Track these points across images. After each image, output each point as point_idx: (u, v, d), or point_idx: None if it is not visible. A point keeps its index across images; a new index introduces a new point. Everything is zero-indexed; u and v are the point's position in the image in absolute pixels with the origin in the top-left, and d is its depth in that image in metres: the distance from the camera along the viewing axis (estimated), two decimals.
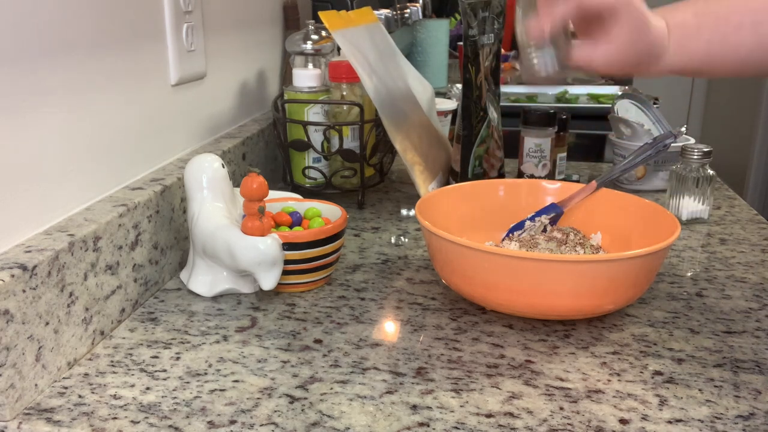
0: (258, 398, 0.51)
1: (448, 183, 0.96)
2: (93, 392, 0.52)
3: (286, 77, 1.13)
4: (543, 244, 0.68)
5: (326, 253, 0.67)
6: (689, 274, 0.74)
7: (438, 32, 1.80)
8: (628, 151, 0.98)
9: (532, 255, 0.57)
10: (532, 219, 0.75)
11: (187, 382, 0.53)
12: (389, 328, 0.62)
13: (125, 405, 0.50)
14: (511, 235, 0.75)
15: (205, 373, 0.54)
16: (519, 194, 0.78)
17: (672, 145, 0.88)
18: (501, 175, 0.96)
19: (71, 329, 0.55)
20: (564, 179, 1.04)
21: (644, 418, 0.49)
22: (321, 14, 0.84)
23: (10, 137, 0.52)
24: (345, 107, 0.91)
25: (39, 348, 0.51)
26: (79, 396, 0.51)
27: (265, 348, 0.58)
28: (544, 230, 0.74)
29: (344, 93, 0.92)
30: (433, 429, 0.48)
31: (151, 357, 0.57)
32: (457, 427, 0.48)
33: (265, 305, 0.66)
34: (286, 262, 0.65)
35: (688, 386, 0.53)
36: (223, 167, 0.68)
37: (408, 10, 1.44)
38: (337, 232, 0.68)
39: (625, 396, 0.52)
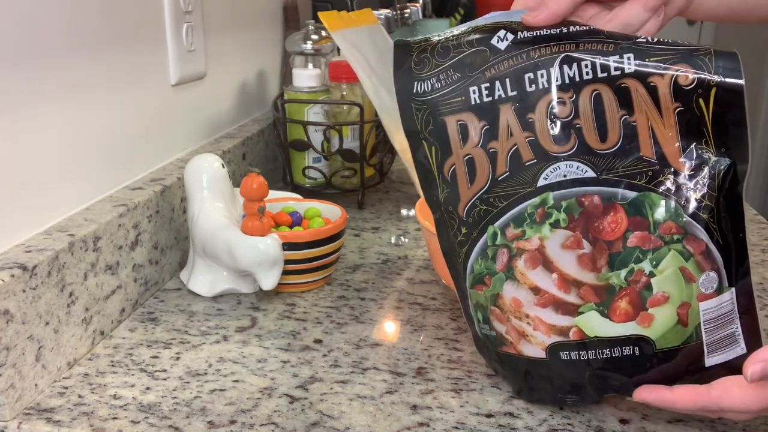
0: (258, 398, 0.51)
1: None
2: (93, 392, 0.52)
3: (286, 77, 1.13)
4: None
5: (326, 253, 0.67)
6: None
7: (438, 32, 1.80)
8: None
9: None
10: None
11: (187, 382, 0.53)
12: (389, 328, 0.62)
13: (125, 405, 0.50)
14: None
15: (205, 373, 0.54)
16: None
17: None
18: None
19: (71, 329, 0.55)
20: None
21: (644, 418, 0.49)
22: (321, 15, 0.84)
23: (9, 137, 0.52)
24: (345, 107, 0.91)
25: (39, 348, 0.51)
26: (79, 396, 0.51)
27: (265, 348, 0.58)
28: None
29: (344, 93, 0.92)
30: (433, 429, 0.48)
31: (151, 357, 0.57)
32: (457, 427, 0.48)
33: (265, 305, 0.66)
34: (286, 262, 0.65)
35: None
36: (223, 167, 0.68)
37: (408, 10, 1.44)
38: (337, 232, 0.68)
39: None
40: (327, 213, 0.73)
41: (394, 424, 0.48)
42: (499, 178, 0.47)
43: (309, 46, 0.94)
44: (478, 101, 0.47)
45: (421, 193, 0.51)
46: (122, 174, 0.67)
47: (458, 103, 0.47)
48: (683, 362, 0.45)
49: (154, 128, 0.73)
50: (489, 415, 0.49)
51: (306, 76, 0.92)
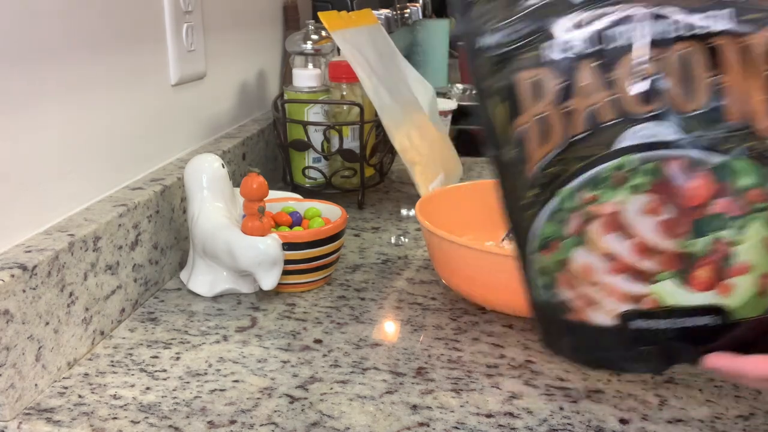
0: (258, 398, 0.51)
1: None
2: (93, 392, 0.52)
3: (286, 77, 1.13)
4: None
5: (326, 253, 0.67)
6: None
7: (438, 32, 1.80)
8: None
9: None
10: None
11: (187, 382, 0.53)
12: (389, 328, 0.62)
13: (125, 405, 0.50)
14: (511, 234, 0.75)
15: (205, 373, 0.54)
16: None
17: None
18: None
19: (71, 329, 0.55)
20: None
21: (644, 418, 0.49)
22: (321, 15, 0.84)
23: (9, 137, 0.52)
24: (345, 107, 0.91)
25: (39, 348, 0.51)
26: (79, 396, 0.51)
27: (265, 348, 0.58)
28: None
29: (344, 93, 0.92)
30: (433, 429, 0.48)
31: (151, 357, 0.57)
32: (457, 427, 0.48)
33: (265, 305, 0.66)
34: (286, 262, 0.65)
35: (688, 386, 0.53)
36: (223, 167, 0.68)
37: (408, 10, 1.44)
38: (337, 232, 0.68)
39: (625, 396, 0.52)
40: (327, 213, 0.73)
41: (394, 424, 0.48)
42: (574, 139, 0.44)
43: (309, 46, 0.94)
44: (554, 57, 0.44)
45: (488, 153, 0.47)
46: (122, 174, 0.67)
47: (532, 58, 0.44)
48: (761, 333, 0.44)
49: (154, 128, 0.73)
50: (489, 415, 0.49)
51: (306, 76, 0.92)
